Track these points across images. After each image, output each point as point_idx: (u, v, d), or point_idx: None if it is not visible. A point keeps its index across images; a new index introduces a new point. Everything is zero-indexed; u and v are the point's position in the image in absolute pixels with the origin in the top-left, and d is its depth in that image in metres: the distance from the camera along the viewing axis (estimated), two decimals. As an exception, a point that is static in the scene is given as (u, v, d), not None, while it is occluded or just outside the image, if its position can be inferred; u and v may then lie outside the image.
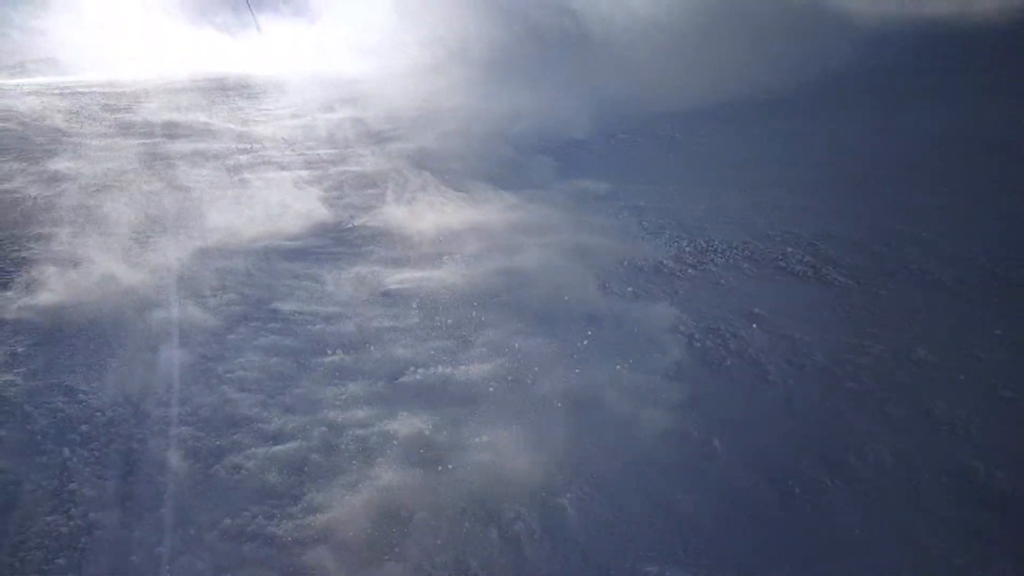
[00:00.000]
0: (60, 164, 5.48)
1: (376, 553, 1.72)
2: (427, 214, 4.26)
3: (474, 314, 2.98)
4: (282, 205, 4.44)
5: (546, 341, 2.71)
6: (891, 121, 6.02)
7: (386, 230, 4.09)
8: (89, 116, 7.55)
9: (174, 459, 2.08)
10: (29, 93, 8.76)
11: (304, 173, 5.30)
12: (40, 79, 10.87)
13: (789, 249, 3.56)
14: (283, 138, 6.47)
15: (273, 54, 13.10)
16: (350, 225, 4.24)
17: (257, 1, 16.30)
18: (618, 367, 2.50)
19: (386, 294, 3.23)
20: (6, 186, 4.95)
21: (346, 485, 1.94)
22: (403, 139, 6.29)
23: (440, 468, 2.02)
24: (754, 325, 2.79)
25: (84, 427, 2.24)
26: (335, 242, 3.93)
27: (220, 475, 2.01)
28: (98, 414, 2.31)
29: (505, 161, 5.49)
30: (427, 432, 2.17)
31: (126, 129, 6.94)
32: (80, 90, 9.07)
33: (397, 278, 3.40)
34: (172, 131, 6.81)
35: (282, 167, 5.47)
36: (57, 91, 8.86)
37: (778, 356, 2.56)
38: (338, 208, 4.47)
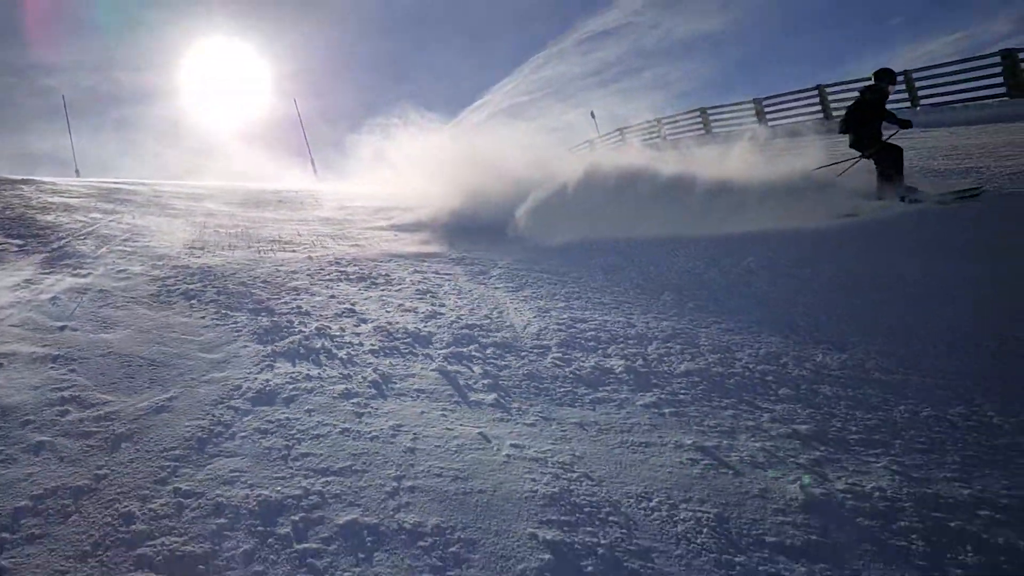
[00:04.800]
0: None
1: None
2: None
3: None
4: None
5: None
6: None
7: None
8: (172, 199, 10.41)
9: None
10: (111, 188, 11.95)
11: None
12: (113, 179, 14.21)
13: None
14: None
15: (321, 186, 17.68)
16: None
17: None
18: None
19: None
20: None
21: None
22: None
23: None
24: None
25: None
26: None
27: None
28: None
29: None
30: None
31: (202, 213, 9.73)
32: (162, 189, 12.21)
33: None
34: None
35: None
36: (138, 187, 12.02)
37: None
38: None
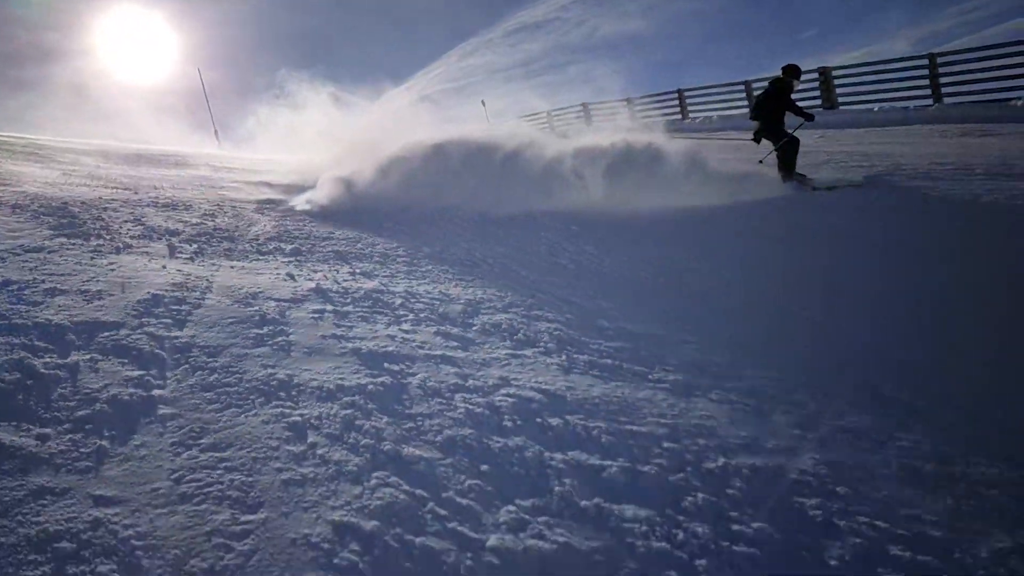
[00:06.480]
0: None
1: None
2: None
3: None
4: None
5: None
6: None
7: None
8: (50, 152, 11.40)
9: None
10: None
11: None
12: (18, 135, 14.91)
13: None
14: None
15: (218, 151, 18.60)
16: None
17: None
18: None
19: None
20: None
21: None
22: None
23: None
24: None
25: None
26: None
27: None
28: None
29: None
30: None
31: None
32: (44, 143, 13.08)
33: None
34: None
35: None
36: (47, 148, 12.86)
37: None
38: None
